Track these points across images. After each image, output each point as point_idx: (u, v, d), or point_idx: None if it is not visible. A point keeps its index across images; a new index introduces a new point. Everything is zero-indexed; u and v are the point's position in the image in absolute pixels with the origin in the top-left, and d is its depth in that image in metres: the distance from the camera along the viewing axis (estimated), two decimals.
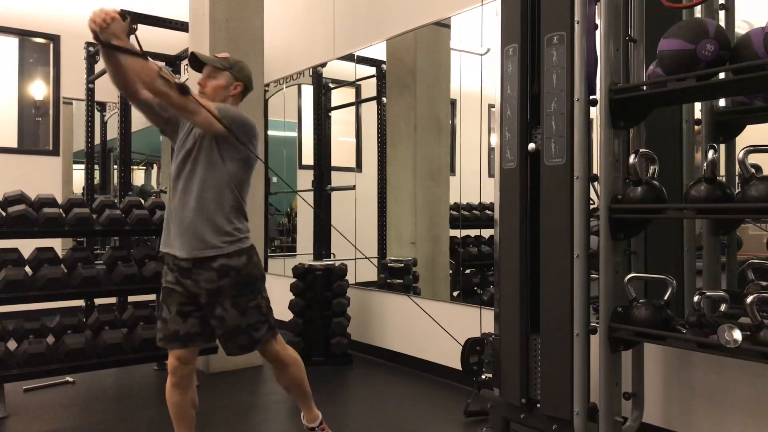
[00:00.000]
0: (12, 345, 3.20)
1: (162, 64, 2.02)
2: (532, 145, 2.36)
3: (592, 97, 2.12)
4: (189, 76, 4.26)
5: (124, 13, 1.96)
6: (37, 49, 5.78)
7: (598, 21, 2.09)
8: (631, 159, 2.03)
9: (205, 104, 2.09)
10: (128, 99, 2.21)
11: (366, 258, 2.43)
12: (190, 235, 2.16)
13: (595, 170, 2.12)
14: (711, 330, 1.82)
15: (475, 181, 3.71)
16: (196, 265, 2.17)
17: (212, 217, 2.16)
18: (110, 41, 1.93)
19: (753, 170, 1.75)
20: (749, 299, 1.73)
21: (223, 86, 2.32)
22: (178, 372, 2.20)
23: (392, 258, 4.32)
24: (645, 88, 2.07)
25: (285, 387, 2.54)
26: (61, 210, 3.33)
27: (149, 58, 1.99)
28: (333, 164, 5.16)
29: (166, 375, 2.24)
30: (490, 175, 3.31)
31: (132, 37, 2.02)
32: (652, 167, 2.05)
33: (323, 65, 5.01)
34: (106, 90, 5.06)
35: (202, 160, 2.18)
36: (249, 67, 2.45)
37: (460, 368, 2.73)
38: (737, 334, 1.69)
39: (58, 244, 3.83)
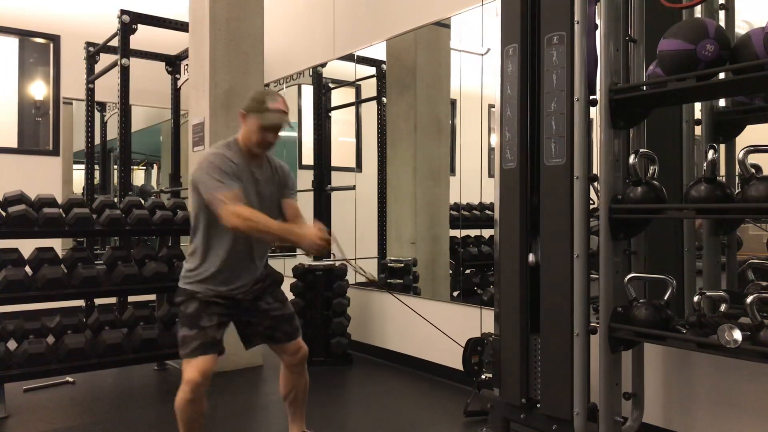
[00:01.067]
0: (12, 345, 3.20)
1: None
2: (531, 257, 2.37)
3: (592, 97, 2.12)
4: (189, 76, 4.26)
5: (128, 30, 2.01)
6: (37, 49, 5.78)
7: (598, 21, 2.09)
8: (631, 159, 2.03)
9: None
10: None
11: (364, 276, 2.48)
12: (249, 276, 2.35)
13: (595, 170, 2.12)
14: (711, 330, 1.82)
15: (475, 181, 3.71)
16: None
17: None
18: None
19: (753, 170, 1.75)
20: (749, 299, 1.73)
21: (242, 126, 2.30)
22: (198, 389, 2.17)
23: (392, 258, 4.32)
24: (645, 88, 2.07)
25: (293, 396, 2.52)
26: (61, 210, 3.33)
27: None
28: (333, 164, 5.16)
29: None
30: (490, 175, 3.31)
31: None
32: (652, 167, 2.05)
33: (323, 65, 5.01)
34: (106, 90, 5.08)
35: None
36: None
37: (461, 368, 2.73)
38: (737, 334, 1.69)
39: (58, 244, 3.83)
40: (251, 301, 2.36)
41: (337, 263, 4.21)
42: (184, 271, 2.31)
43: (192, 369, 2.16)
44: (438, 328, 2.98)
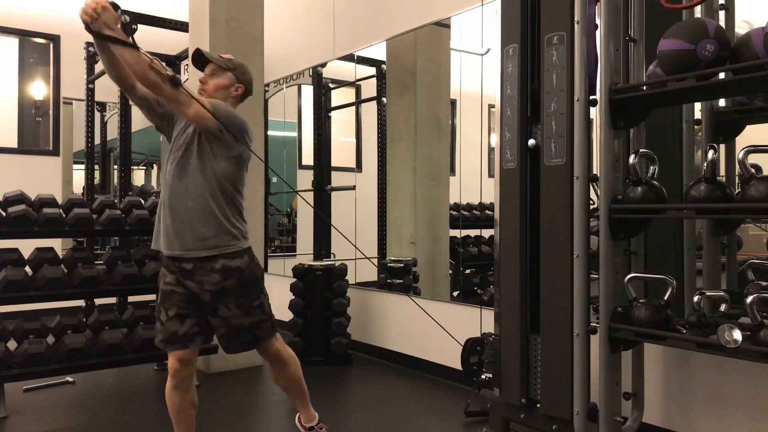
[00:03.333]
0: (12, 345, 3.20)
1: (153, 57, 2.02)
2: (532, 141, 2.36)
3: (592, 97, 2.12)
4: (189, 76, 4.26)
5: (115, 5, 1.96)
6: (37, 49, 5.78)
7: (598, 21, 2.09)
8: (631, 159, 2.03)
9: (198, 98, 2.10)
10: (125, 92, 2.21)
11: (367, 258, 2.43)
12: (187, 233, 2.15)
13: (595, 170, 2.12)
14: (711, 330, 1.83)
15: (475, 181, 3.72)
16: (197, 266, 2.17)
17: (210, 215, 2.15)
18: (101, 31, 1.93)
19: (753, 170, 1.75)
20: (749, 299, 1.73)
21: (224, 86, 2.32)
22: (178, 374, 2.20)
23: (392, 258, 4.32)
24: (645, 88, 2.06)
25: (284, 387, 2.54)
26: (61, 210, 3.33)
27: (141, 49, 1.98)
28: (333, 164, 5.16)
29: (166, 375, 2.24)
30: (490, 175, 3.31)
31: (133, 29, 2.03)
32: (652, 167, 2.05)
33: (323, 65, 5.01)
34: (106, 90, 5.08)
35: (195, 158, 2.17)
36: (250, 68, 2.45)
37: (461, 368, 2.73)
38: (737, 334, 1.69)
39: (58, 244, 3.83)
40: (211, 299, 2.20)
41: (337, 263, 4.21)
42: None
43: (170, 357, 2.22)
44: (444, 328, 2.98)
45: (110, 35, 1.94)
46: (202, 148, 2.17)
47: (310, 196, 5.06)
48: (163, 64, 2.02)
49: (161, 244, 2.21)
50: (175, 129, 2.28)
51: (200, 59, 2.33)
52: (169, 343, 2.20)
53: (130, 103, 4.50)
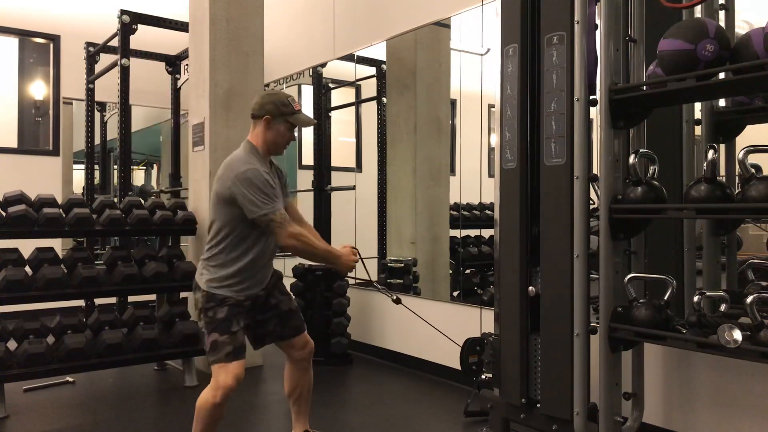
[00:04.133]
0: (12, 345, 3.20)
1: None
2: (531, 289, 2.38)
3: (592, 97, 2.12)
4: (189, 76, 4.26)
5: (128, 29, 2.05)
6: (37, 49, 5.78)
7: (598, 21, 2.09)
8: (631, 159, 2.03)
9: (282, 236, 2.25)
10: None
11: (374, 283, 2.49)
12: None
13: (595, 170, 2.12)
14: (711, 330, 1.83)
15: (475, 181, 3.71)
16: None
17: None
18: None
19: (753, 170, 1.75)
20: (749, 299, 1.73)
21: (263, 131, 2.34)
22: (233, 390, 2.23)
23: (392, 258, 4.32)
24: (645, 88, 2.07)
25: (298, 393, 2.56)
26: (61, 210, 3.33)
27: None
28: (333, 164, 5.16)
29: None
30: (490, 175, 3.31)
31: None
32: (652, 167, 2.05)
33: (323, 65, 5.01)
34: (106, 90, 5.09)
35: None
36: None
37: (460, 368, 2.73)
38: (737, 334, 1.69)
39: (58, 244, 3.83)
40: (264, 298, 2.41)
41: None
42: (211, 276, 2.30)
43: (227, 374, 2.21)
44: (445, 334, 2.98)
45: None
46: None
47: (310, 196, 5.06)
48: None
49: (240, 290, 2.31)
50: None
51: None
52: (238, 353, 2.24)
53: (130, 103, 4.51)
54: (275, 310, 2.44)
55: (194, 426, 2.26)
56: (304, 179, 5.34)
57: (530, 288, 2.38)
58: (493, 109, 2.69)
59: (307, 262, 4.24)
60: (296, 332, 2.48)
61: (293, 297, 2.56)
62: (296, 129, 2.42)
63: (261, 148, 2.33)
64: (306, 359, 2.52)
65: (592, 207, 2.14)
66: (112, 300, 4.39)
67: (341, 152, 5.35)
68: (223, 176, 2.26)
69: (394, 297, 2.62)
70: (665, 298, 1.98)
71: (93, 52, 5.19)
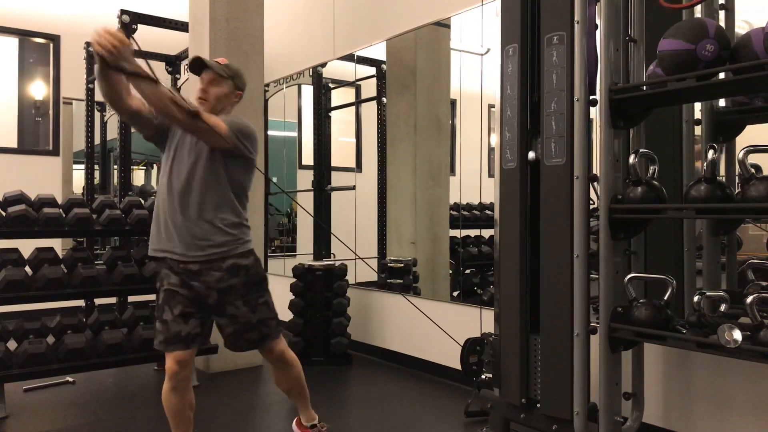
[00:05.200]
0: (12, 345, 3.20)
1: (172, 89, 2.04)
2: (531, 154, 2.37)
3: (592, 97, 2.12)
4: (189, 76, 4.26)
5: (128, 29, 1.95)
6: (37, 49, 5.78)
7: (598, 21, 2.09)
8: (631, 159, 2.03)
9: (215, 123, 2.11)
10: (117, 113, 2.21)
11: (364, 261, 2.44)
12: (195, 237, 2.17)
13: (595, 170, 2.12)
14: (711, 330, 1.82)
15: (475, 181, 3.71)
16: (204, 267, 2.20)
17: (217, 218, 2.19)
18: (122, 66, 1.92)
19: (753, 170, 1.75)
20: (749, 299, 1.73)
21: (225, 95, 2.34)
22: (176, 376, 2.19)
23: (392, 258, 4.32)
24: (645, 88, 2.06)
25: (287, 389, 2.55)
26: (61, 210, 3.33)
27: (160, 82, 1.99)
28: (333, 164, 5.16)
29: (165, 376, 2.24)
30: (490, 175, 3.31)
31: (126, 31, 2.02)
32: (652, 167, 2.05)
33: (323, 65, 5.01)
34: None
35: (202, 164, 2.19)
36: (250, 68, 2.47)
37: (461, 368, 2.73)
38: (737, 334, 1.69)
39: (58, 244, 3.83)
40: (217, 299, 2.24)
41: (337, 263, 4.21)
42: None
43: (168, 359, 2.20)
44: (444, 330, 2.98)
45: (132, 70, 1.93)
46: (214, 155, 2.20)
47: (310, 196, 5.06)
48: (177, 89, 2.04)
49: (168, 248, 2.21)
50: (173, 136, 2.29)
51: (199, 66, 2.34)
52: (171, 343, 2.19)
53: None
54: (231, 319, 2.27)
55: (169, 421, 2.28)
56: (304, 179, 5.35)
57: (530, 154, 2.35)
58: (493, 109, 2.69)
59: (306, 262, 4.25)
60: (252, 347, 2.35)
61: (262, 310, 2.30)
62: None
63: (212, 104, 2.31)
64: (277, 361, 2.43)
65: (592, 207, 2.14)
66: (112, 300, 4.39)
67: (341, 152, 5.35)
68: None
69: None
70: (665, 298, 1.98)
71: (93, 52, 5.19)
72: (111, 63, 1.90)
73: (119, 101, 2.11)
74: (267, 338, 2.35)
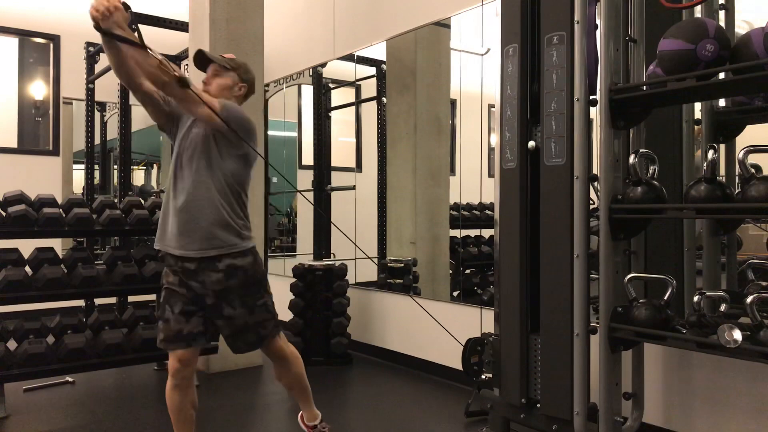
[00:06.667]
0: (12, 345, 3.20)
1: (162, 57, 2.04)
2: (531, 143, 2.36)
3: (592, 97, 2.12)
4: (190, 76, 4.26)
5: (126, 4, 1.96)
6: (37, 49, 5.78)
7: (598, 21, 2.09)
8: (631, 159, 2.03)
9: (206, 98, 2.11)
10: (131, 91, 2.20)
11: (367, 257, 2.44)
12: (193, 233, 2.15)
13: (595, 170, 2.12)
14: (711, 330, 1.83)
15: (475, 181, 3.71)
16: (201, 266, 2.18)
17: (216, 215, 2.17)
18: (112, 30, 1.93)
19: (753, 170, 1.75)
20: (749, 299, 1.73)
21: (228, 86, 2.33)
22: (179, 374, 2.19)
23: (392, 258, 4.32)
24: (645, 88, 2.07)
25: (287, 385, 2.54)
26: (61, 210, 3.33)
27: (150, 49, 1.98)
28: (333, 164, 5.16)
29: (167, 375, 2.24)
30: (490, 175, 3.31)
31: (134, 28, 2.03)
32: (652, 167, 2.05)
33: (323, 65, 5.01)
34: (106, 90, 5.08)
35: (201, 158, 2.18)
36: (251, 68, 2.46)
37: (461, 368, 2.73)
38: (737, 334, 1.69)
39: (58, 244, 3.83)
40: (215, 301, 2.21)
41: (337, 263, 4.21)
42: None
43: (171, 357, 2.19)
44: (445, 328, 2.98)
45: (121, 35, 1.94)
46: (210, 147, 2.18)
47: (310, 196, 5.06)
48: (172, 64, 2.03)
49: (167, 243, 2.21)
50: (180, 129, 2.28)
51: (202, 60, 2.34)
52: (172, 341, 2.18)
53: (130, 102, 4.51)
54: (228, 321, 2.24)
55: (171, 419, 2.27)
56: (304, 179, 5.34)
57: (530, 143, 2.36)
58: (493, 109, 2.69)
59: (306, 262, 4.25)
60: (250, 348, 2.32)
61: (260, 312, 2.28)
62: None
63: (215, 96, 2.29)
64: (276, 357, 2.42)
65: (592, 207, 2.14)
66: (112, 300, 4.39)
67: (341, 152, 5.35)
68: None
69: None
70: (665, 298, 1.98)
71: (93, 52, 5.19)
72: (103, 27, 1.91)
73: (130, 78, 2.12)
74: (265, 339, 2.33)
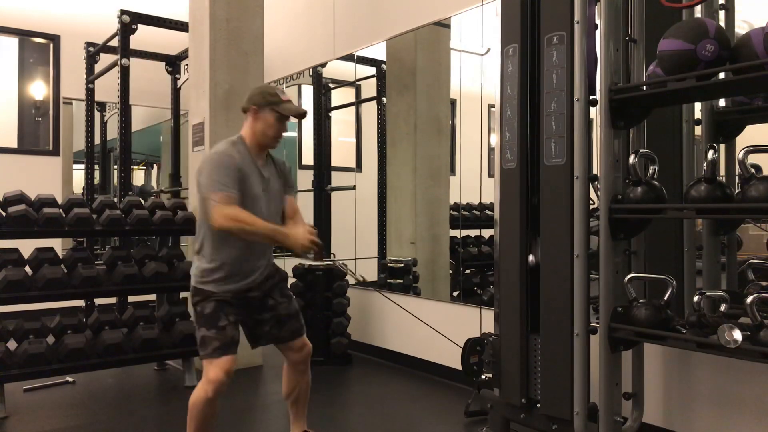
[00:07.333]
0: (12, 345, 3.20)
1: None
2: (531, 258, 2.38)
3: (592, 97, 2.12)
4: (189, 76, 4.26)
5: (128, 30, 2.07)
6: (37, 49, 5.78)
7: (598, 21, 2.09)
8: (631, 159, 2.03)
9: (213, 219, 2.17)
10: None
11: (353, 277, 2.46)
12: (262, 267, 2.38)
13: (595, 170, 2.12)
14: (711, 330, 1.82)
15: (475, 181, 3.71)
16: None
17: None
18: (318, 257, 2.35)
19: (753, 170, 1.75)
20: (749, 299, 1.73)
21: (250, 122, 2.34)
22: (224, 387, 2.20)
23: (392, 258, 4.32)
24: (645, 88, 2.07)
25: (296, 395, 2.54)
26: (61, 210, 3.33)
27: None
28: (333, 164, 5.16)
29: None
30: (490, 175, 3.31)
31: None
32: (652, 167, 2.05)
33: (323, 65, 5.01)
34: (106, 90, 5.08)
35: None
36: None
37: (461, 368, 2.73)
38: (737, 334, 1.69)
39: (58, 244, 3.82)
40: (260, 298, 2.37)
41: (336, 264, 4.21)
42: (196, 269, 2.31)
43: (216, 369, 2.19)
44: (443, 334, 2.98)
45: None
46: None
47: (310, 196, 5.06)
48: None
49: (241, 286, 2.31)
50: (245, 182, 2.29)
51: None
52: (227, 348, 2.21)
53: (130, 102, 4.51)
54: (273, 311, 2.39)
55: (188, 424, 2.25)
56: (304, 179, 5.34)
57: (530, 258, 2.38)
58: (493, 109, 2.69)
59: (307, 262, 4.24)
60: (293, 336, 2.43)
61: (295, 302, 2.50)
62: (286, 120, 2.35)
63: (250, 140, 2.32)
64: (303, 362, 2.49)
65: (592, 207, 2.14)
66: (112, 300, 4.39)
67: (341, 152, 5.35)
68: (200, 166, 2.25)
69: (360, 277, 2.59)
70: (665, 298, 1.98)
71: (93, 52, 5.19)
72: (314, 256, 2.34)
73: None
74: (303, 328, 2.47)
